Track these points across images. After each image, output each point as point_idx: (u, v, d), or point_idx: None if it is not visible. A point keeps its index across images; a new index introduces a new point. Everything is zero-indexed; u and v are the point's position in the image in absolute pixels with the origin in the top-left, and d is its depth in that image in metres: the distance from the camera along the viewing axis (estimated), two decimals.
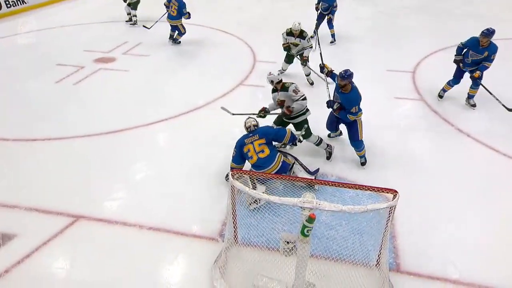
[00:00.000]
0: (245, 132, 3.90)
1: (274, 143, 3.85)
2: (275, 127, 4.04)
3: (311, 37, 7.56)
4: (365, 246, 3.04)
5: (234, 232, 3.23)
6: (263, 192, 3.42)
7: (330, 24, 7.84)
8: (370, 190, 2.76)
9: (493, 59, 4.99)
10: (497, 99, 5.10)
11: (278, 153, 3.78)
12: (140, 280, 3.09)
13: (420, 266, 3.14)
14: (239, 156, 3.78)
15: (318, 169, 4.10)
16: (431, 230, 3.50)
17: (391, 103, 5.71)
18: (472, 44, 5.06)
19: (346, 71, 3.85)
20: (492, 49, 4.95)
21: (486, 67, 5.08)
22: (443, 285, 3.00)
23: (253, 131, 3.78)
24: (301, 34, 5.79)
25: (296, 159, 4.03)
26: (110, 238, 3.47)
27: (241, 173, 3.16)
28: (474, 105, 5.44)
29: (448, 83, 5.53)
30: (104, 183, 4.15)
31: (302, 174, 3.92)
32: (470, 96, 5.45)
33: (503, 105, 5.05)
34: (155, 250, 3.34)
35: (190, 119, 5.37)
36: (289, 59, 6.27)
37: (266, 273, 2.88)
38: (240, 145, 3.76)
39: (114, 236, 3.49)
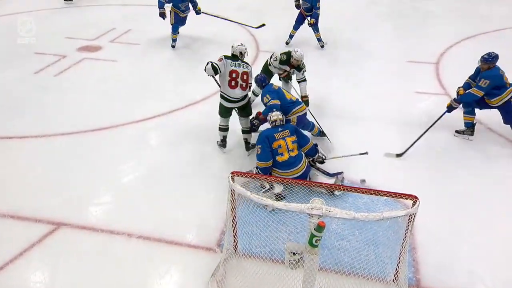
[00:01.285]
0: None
1: None
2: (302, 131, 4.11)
3: (287, 43, 7.45)
4: (381, 258, 3.06)
5: (234, 241, 3.25)
6: (280, 193, 3.60)
7: (314, 26, 7.16)
8: (387, 196, 2.76)
9: (482, 86, 4.32)
10: (428, 129, 4.59)
11: (304, 156, 3.93)
12: None
13: (444, 282, 3.15)
14: (268, 150, 3.79)
15: (342, 172, 4.10)
16: (456, 241, 3.51)
17: (412, 98, 5.72)
18: (478, 70, 4.60)
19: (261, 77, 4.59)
20: (483, 74, 4.36)
21: (470, 94, 4.42)
22: None
23: (281, 125, 3.87)
24: (298, 66, 5.01)
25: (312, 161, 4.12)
26: (95, 248, 3.49)
27: (244, 175, 3.19)
28: None
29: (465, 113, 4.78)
30: (88, 187, 4.18)
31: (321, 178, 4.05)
32: None
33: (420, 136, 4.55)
34: (146, 261, 3.36)
35: (185, 115, 5.40)
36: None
37: None
38: (268, 137, 3.79)
39: (100, 246, 3.51)
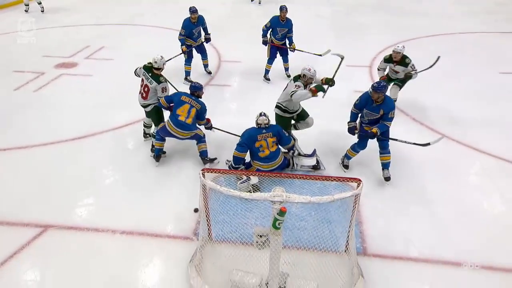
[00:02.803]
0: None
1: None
2: (285, 132, 4.03)
3: (267, 79, 6.33)
4: (334, 233, 3.13)
5: (208, 229, 3.22)
6: (256, 184, 3.65)
7: (286, 56, 6.31)
8: (336, 181, 2.87)
9: (392, 117, 3.83)
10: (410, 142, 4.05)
11: (281, 151, 4.01)
12: (116, 286, 3.01)
13: (385, 248, 3.30)
14: (246, 146, 3.86)
15: (315, 150, 4.38)
16: (395, 215, 3.66)
17: (352, 96, 5.81)
18: (365, 101, 3.89)
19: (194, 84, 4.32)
20: (388, 106, 3.80)
21: (386, 127, 3.89)
22: (405, 263, 3.18)
23: (266, 127, 3.87)
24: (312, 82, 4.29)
25: (292, 148, 4.20)
26: (82, 246, 3.35)
27: (213, 171, 3.18)
28: (388, 178, 3.97)
29: (353, 148, 4.15)
30: (72, 190, 3.99)
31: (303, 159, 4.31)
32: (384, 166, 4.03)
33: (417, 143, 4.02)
34: (130, 254, 3.27)
35: None
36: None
37: (241, 268, 2.90)
38: (251, 138, 3.84)
39: (86, 244, 3.37)
